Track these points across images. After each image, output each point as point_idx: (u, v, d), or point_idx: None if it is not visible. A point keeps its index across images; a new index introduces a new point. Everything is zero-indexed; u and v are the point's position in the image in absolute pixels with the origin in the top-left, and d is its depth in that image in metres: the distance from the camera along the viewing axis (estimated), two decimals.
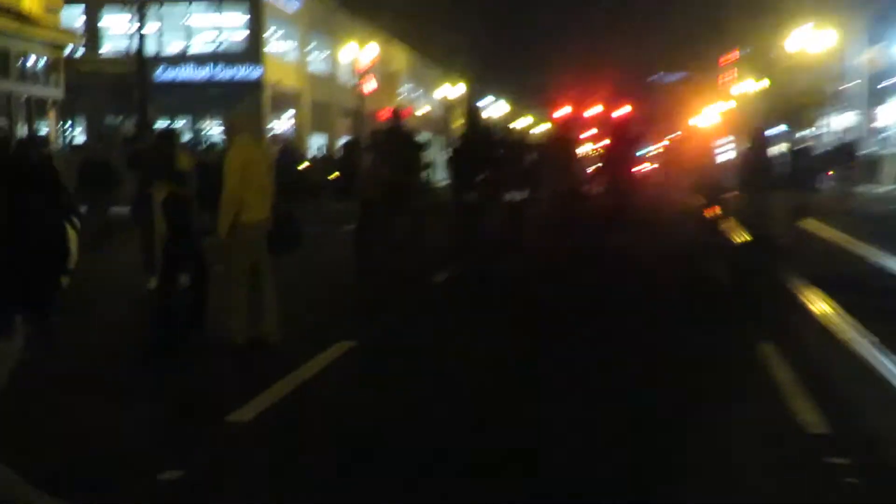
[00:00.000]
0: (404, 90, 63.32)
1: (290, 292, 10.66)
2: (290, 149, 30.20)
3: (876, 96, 44.96)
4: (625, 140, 25.11)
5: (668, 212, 27.76)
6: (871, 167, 37.82)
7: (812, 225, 19.92)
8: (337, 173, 20.07)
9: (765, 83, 51.39)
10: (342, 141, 24.68)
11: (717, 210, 23.39)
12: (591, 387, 7.95)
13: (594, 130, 54.43)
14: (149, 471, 5.76)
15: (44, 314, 4.29)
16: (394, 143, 16.49)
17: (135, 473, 5.80)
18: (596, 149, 30.80)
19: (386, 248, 15.39)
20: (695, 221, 24.08)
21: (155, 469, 5.77)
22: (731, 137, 48.75)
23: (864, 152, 37.70)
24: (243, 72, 42.66)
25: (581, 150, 28.60)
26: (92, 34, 41.66)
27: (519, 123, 70.90)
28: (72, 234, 4.33)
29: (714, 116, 63.14)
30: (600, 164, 25.91)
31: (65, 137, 35.80)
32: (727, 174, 28.22)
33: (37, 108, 28.43)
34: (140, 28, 21.07)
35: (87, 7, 41.12)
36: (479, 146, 18.98)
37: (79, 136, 38.75)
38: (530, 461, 6.05)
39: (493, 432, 6.75)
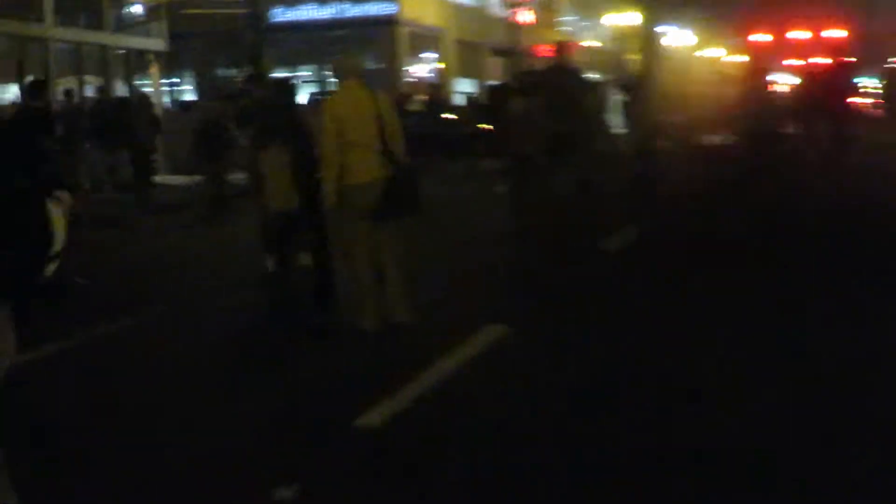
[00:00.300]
0: (566, 20, 62.48)
1: (430, 266, 10.56)
2: (435, 97, 30.10)
3: None
4: (840, 69, 24.03)
5: None
6: None
7: None
8: (486, 125, 19.94)
9: None
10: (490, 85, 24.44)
11: None
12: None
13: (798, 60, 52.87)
14: (261, 486, 5.78)
15: (22, 307, 4.23)
16: (556, 84, 16.08)
17: (245, 488, 5.85)
18: (804, 81, 29.57)
19: (547, 210, 15.13)
20: None
21: (268, 484, 5.78)
22: None
23: None
24: (376, 8, 42.72)
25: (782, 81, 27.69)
26: None
27: (707, 54, 69.41)
28: (55, 211, 4.24)
29: None
30: (809, 99, 24.94)
31: (171, 94, 36.71)
32: None
33: (137, 63, 29.04)
34: None
35: None
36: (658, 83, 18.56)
37: (187, 92, 39.61)
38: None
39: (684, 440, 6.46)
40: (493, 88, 18.55)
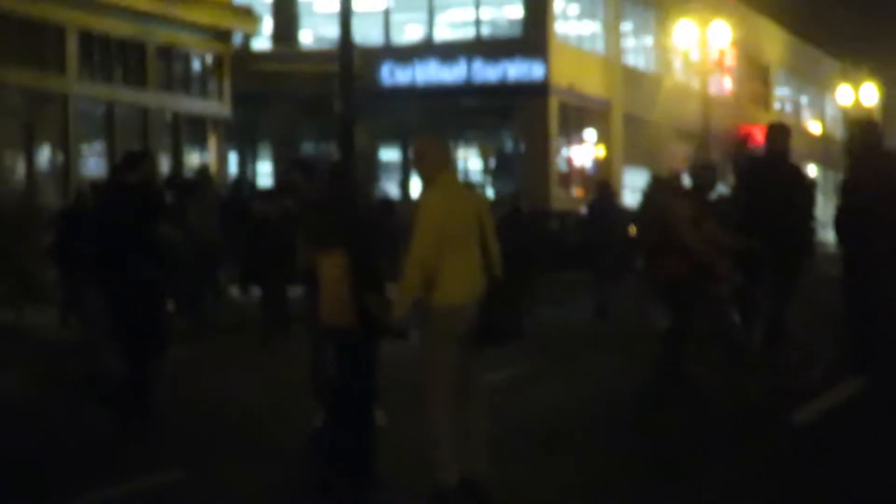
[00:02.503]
0: (784, 92, 62.07)
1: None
2: (606, 193, 28.96)
3: None
4: None
5: None
6: None
7: None
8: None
9: None
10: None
11: None
12: None
13: None
14: None
15: None
16: (771, 182, 15.22)
17: None
18: None
19: (713, 360, 14.29)
20: None
21: None
22: None
23: None
24: (518, 69, 42.62)
25: None
26: (284, 14, 42.73)
27: None
28: None
29: None
30: None
31: (240, 174, 36.56)
32: None
33: (190, 130, 28.96)
34: (346, 4, 20.93)
35: None
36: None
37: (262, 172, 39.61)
38: None
39: None
40: (650, 183, 17.79)
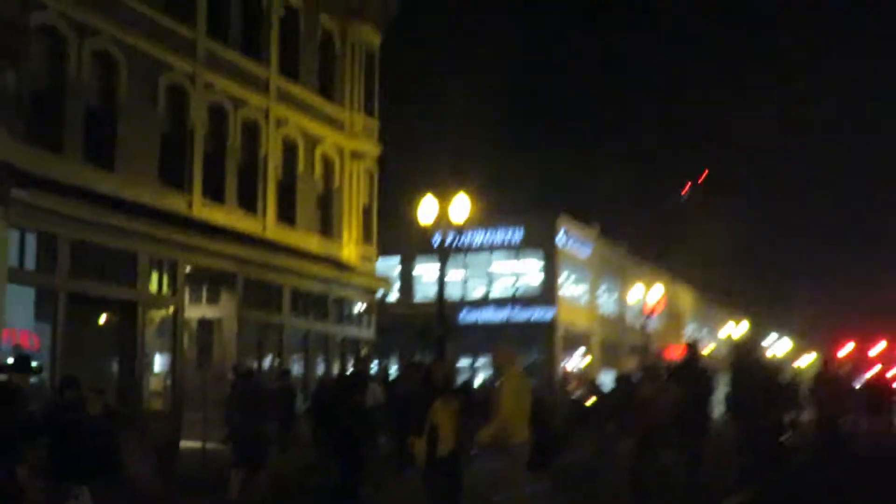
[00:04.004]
0: (689, 328, 61.34)
1: None
2: (589, 385, 28.54)
3: None
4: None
5: None
6: None
7: None
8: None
9: None
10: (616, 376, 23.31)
11: None
12: None
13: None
14: None
15: None
16: (689, 376, 14.98)
17: None
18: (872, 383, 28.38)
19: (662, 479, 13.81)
20: None
21: None
22: None
23: None
24: (538, 313, 42.49)
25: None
26: (406, 281, 42.98)
27: (802, 361, 67.26)
28: None
29: None
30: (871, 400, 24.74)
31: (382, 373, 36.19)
32: None
33: (351, 348, 28.67)
34: (442, 275, 20.86)
35: (402, 257, 42.49)
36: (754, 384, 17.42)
37: (392, 373, 39.25)
38: None
39: None
40: (618, 378, 17.68)
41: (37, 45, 18.30)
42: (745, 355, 25.33)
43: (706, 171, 68.32)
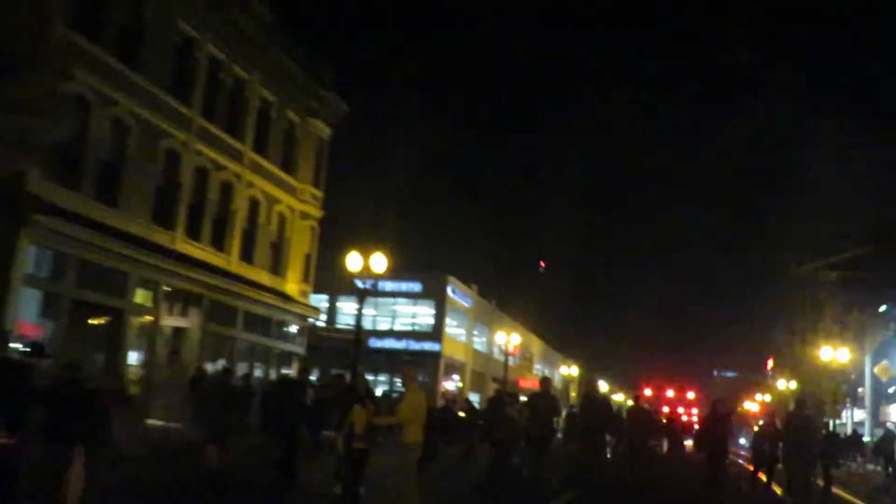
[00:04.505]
0: (538, 366, 61.96)
1: None
2: (454, 401, 28.76)
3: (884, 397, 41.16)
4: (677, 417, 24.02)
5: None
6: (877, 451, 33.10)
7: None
8: (481, 421, 18.74)
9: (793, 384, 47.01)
10: (488, 397, 23.39)
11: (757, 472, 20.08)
12: None
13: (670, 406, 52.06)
14: None
15: None
16: (542, 402, 15.00)
17: None
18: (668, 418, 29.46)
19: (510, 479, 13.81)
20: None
21: None
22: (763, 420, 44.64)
23: (868, 439, 34.37)
24: (428, 345, 42.40)
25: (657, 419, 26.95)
26: (331, 312, 42.52)
27: (617, 397, 68.50)
28: None
29: (755, 405, 59.64)
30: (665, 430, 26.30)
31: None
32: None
33: (284, 359, 28.22)
34: (359, 311, 20.79)
35: (329, 296, 42.08)
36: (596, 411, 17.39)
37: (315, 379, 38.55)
38: None
39: None
40: (491, 399, 17.67)
41: (66, 106, 17.87)
42: (591, 389, 25.59)
43: (542, 262, 69.79)
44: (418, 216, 57.32)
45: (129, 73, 19.58)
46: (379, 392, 35.38)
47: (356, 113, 31.95)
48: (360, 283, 18.98)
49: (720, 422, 14.80)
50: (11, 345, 12.62)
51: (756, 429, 22.96)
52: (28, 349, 9.61)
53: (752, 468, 19.11)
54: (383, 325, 43.25)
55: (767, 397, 56.64)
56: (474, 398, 45.35)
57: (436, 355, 42.18)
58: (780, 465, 16.20)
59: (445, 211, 76.85)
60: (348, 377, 15.35)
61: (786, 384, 47.38)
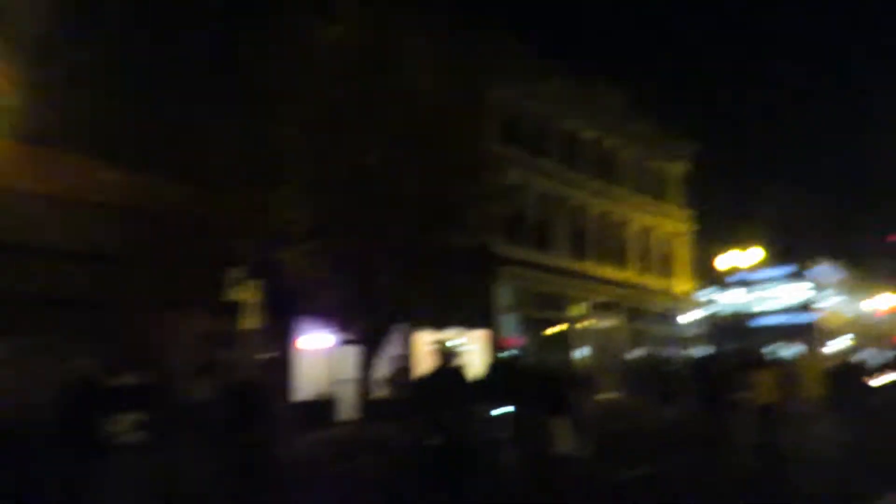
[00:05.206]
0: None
1: None
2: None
3: None
4: None
5: None
6: None
7: None
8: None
9: None
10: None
11: None
12: None
13: None
14: None
15: None
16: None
17: None
18: None
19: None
20: None
21: None
22: None
23: None
24: (803, 318, 34.57)
25: None
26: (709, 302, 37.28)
27: None
28: None
29: None
30: None
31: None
32: None
33: (687, 342, 25.04)
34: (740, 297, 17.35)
35: (717, 287, 37.11)
36: None
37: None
38: None
39: None
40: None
41: (510, 191, 17.78)
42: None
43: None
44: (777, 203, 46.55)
45: (541, 161, 19.54)
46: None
47: (714, 137, 28.03)
48: (736, 277, 15.80)
49: None
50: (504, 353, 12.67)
51: None
52: (514, 353, 9.64)
53: None
54: (765, 306, 36.64)
55: None
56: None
57: (808, 325, 34.13)
58: None
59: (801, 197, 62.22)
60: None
61: None
